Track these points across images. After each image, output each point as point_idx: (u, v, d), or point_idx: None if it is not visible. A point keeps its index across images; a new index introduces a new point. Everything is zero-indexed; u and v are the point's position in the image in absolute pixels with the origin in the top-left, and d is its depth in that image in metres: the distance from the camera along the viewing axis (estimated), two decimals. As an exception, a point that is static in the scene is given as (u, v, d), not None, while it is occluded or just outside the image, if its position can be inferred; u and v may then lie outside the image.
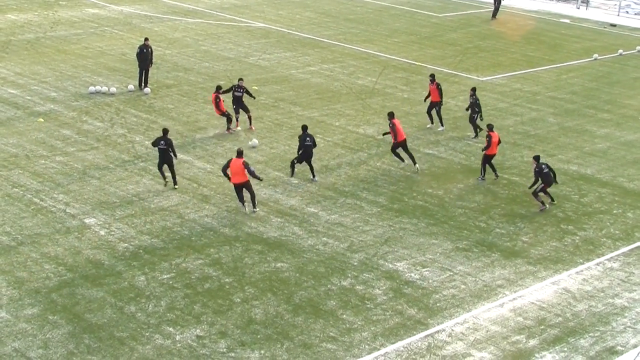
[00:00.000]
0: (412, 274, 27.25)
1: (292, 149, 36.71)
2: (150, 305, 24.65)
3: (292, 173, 34.01)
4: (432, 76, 40.32)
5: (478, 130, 39.37)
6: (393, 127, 34.82)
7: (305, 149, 33.73)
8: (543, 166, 32.01)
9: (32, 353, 22.21)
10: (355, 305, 25.36)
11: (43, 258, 26.91)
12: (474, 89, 39.45)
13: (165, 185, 32.44)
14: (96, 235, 28.60)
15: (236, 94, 38.70)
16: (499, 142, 34.95)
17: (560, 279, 27.59)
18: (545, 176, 31.98)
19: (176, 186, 32.36)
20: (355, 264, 27.76)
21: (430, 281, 26.89)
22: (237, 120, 39.03)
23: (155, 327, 23.66)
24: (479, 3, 74.10)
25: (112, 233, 28.79)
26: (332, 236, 29.51)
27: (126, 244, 28.08)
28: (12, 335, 22.85)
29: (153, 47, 46.20)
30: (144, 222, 29.71)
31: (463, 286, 26.71)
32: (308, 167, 34.07)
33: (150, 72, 44.23)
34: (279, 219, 30.49)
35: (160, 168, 32.38)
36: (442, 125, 40.30)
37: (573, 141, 40.09)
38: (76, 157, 34.70)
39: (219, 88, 38.30)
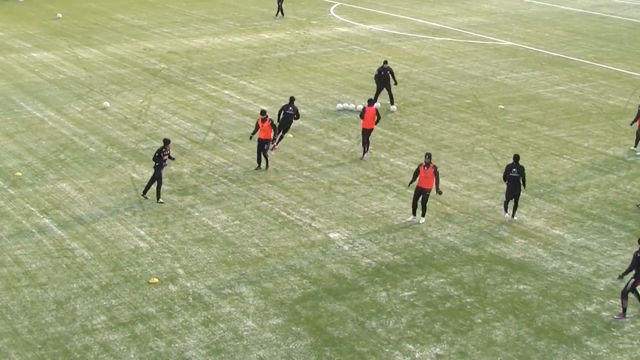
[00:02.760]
0: (663, 303, 26.10)
1: (539, 170, 36.06)
2: (390, 322, 24.79)
3: (507, 215, 31.45)
4: None
5: None
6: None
7: (511, 181, 31.00)
8: None
9: (275, 362, 22.86)
10: (600, 331, 24.55)
11: (288, 270, 27.62)
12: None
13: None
14: (340, 250, 29.09)
15: (287, 112, 38.35)
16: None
17: None
18: None
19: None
20: (602, 289, 26.88)
21: (682, 311, 25.67)
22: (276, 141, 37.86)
23: (395, 343, 23.76)
24: None
25: (356, 248, 29.19)
26: (577, 260, 28.73)
27: (369, 260, 28.40)
28: (257, 344, 23.56)
29: (400, 65, 46.63)
30: (387, 238, 29.95)
31: None
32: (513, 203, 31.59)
33: (393, 90, 44.40)
34: (522, 240, 29.99)
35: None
36: None
37: None
38: (323, 172, 35.45)
39: (265, 112, 35.71)
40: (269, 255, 28.54)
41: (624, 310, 25.34)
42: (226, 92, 46.82)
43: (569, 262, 28.57)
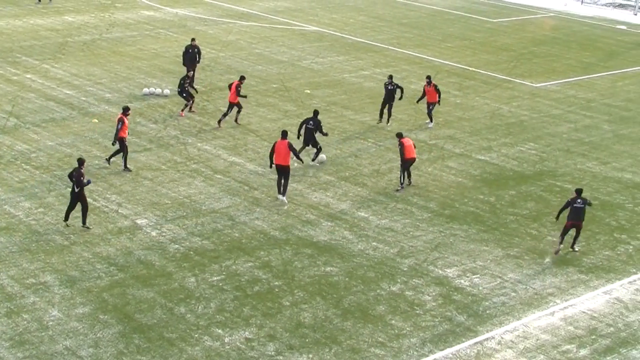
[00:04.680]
0: (462, 281, 27.12)
1: (344, 153, 36.75)
2: (199, 307, 24.78)
3: (301, 160, 33.68)
4: (429, 77, 41.01)
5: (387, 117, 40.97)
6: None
7: (306, 132, 35.15)
8: (579, 201, 28.79)
9: (82, 352, 22.42)
10: (404, 310, 25.29)
11: (95, 258, 27.16)
12: (390, 77, 40.93)
13: None
14: (147, 236, 28.82)
15: (186, 85, 40.36)
16: (414, 146, 34.18)
17: (612, 288, 27.30)
18: (574, 211, 28.80)
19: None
20: (405, 269, 27.68)
21: (480, 288, 26.74)
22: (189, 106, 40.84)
23: (205, 328, 23.77)
24: (534, 9, 73.59)
25: (164, 234, 28.98)
26: (382, 241, 29.46)
27: (177, 245, 28.25)
28: (63, 334, 23.08)
29: (207, 50, 46.45)
30: (195, 223, 29.88)
31: (513, 294, 26.53)
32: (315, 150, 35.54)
33: (197, 72, 44.54)
34: (329, 223, 30.50)
35: None
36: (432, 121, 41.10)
37: (628, 149, 39.67)
38: (129, 158, 34.93)
39: (126, 109, 34.40)
40: (75, 243, 27.97)
41: (561, 243, 29.13)
42: (28, 75, 45.46)
43: (374, 243, 29.27)
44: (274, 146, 31.78)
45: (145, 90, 43.59)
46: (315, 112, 35.84)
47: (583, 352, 23.79)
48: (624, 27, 68.29)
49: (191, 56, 43.93)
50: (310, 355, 22.88)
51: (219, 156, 35.68)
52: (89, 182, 28.84)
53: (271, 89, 45.48)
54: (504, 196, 33.64)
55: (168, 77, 46.02)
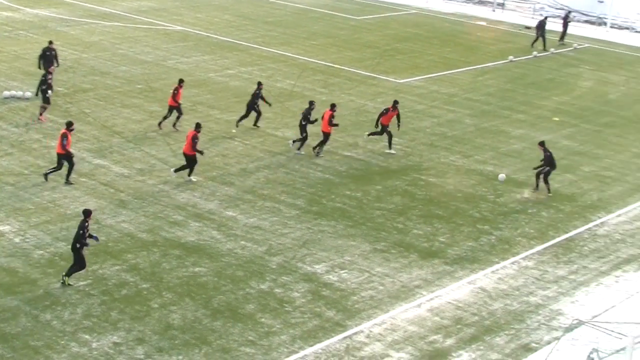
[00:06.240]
0: (331, 276, 27.38)
1: (211, 153, 36.60)
2: (66, 313, 24.37)
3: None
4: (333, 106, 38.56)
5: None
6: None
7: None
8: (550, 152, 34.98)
9: (-56, 364, 21.86)
10: (273, 308, 25.39)
11: (-44, 267, 26.47)
12: (259, 83, 40.80)
13: None
14: (10, 242, 28.17)
15: (49, 80, 39.87)
16: (331, 117, 37.06)
17: (476, 278, 27.98)
18: (553, 160, 34.80)
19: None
20: (274, 267, 27.78)
21: (349, 283, 27.04)
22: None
23: (71, 335, 23.39)
24: (397, 6, 74.63)
25: (27, 240, 28.37)
26: (250, 239, 29.50)
27: (42, 251, 27.70)
28: None
29: (70, 51, 45.62)
30: (60, 228, 29.35)
31: (381, 287, 26.92)
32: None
33: (59, 74, 43.82)
34: (197, 223, 30.37)
35: None
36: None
37: (489, 142, 40.67)
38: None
39: (70, 124, 33.84)
40: None
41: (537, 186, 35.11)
42: None
43: (243, 242, 29.28)
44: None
45: (6, 93, 42.56)
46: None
47: (449, 341, 24.32)
48: (483, 23, 69.94)
49: (48, 59, 43.16)
50: (180, 357, 22.78)
51: (83, 159, 35.10)
52: (88, 243, 25.79)
53: (136, 90, 44.98)
54: (370, 191, 34.08)
55: (29, 80, 45.00)
